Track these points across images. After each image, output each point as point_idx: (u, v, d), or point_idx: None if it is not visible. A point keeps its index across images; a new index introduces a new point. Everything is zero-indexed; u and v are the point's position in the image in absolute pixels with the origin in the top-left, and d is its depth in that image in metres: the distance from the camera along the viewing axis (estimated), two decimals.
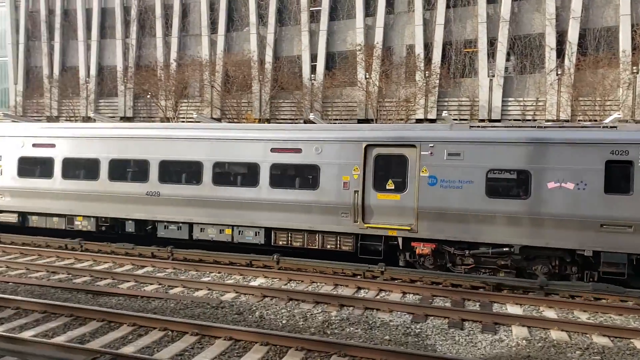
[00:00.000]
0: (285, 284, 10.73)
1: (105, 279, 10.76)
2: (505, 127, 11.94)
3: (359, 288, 10.49)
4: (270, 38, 26.29)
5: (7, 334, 6.77)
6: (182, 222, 13.15)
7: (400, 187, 11.40)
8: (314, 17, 25.92)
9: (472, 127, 11.81)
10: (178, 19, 28.11)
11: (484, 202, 10.70)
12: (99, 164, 13.66)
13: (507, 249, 10.71)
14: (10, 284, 10.15)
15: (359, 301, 9.23)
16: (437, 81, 23.46)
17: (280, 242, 12.43)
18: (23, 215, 14.61)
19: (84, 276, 10.93)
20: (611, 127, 10.78)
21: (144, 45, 29.19)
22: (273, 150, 12.31)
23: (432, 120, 23.07)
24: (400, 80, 23.48)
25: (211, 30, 27.62)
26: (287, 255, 12.28)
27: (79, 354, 6.31)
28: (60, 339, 6.98)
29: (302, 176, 12.19)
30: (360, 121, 23.36)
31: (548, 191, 10.37)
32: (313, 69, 25.57)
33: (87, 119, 27.42)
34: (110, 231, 14.16)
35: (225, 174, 12.79)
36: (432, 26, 23.98)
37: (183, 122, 22.98)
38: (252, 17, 26.61)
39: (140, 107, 28.80)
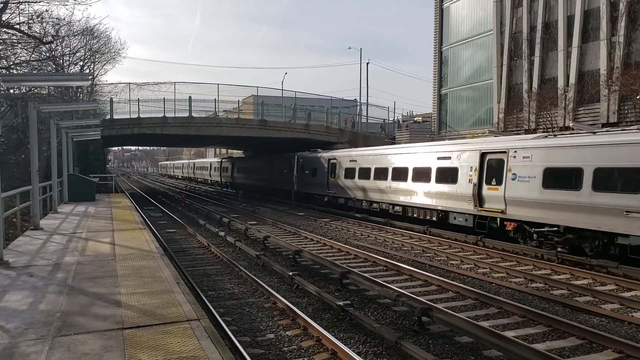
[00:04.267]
0: None
1: (584, 295, 10.10)
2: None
3: None
4: None
5: (493, 330, 7.28)
6: None
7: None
8: None
9: None
10: None
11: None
12: None
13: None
14: (493, 285, 11.02)
15: None
16: None
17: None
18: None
19: (562, 289, 10.62)
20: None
21: (635, 40, 26.13)
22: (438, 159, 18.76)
23: None
24: None
25: None
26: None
27: None
28: (539, 347, 6.94)
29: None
30: None
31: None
32: None
33: (564, 129, 27.06)
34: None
35: None
36: None
37: None
38: None
39: (627, 111, 25.98)
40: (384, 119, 42.10)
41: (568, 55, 29.74)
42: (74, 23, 25.90)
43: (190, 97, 30.77)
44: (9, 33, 17.41)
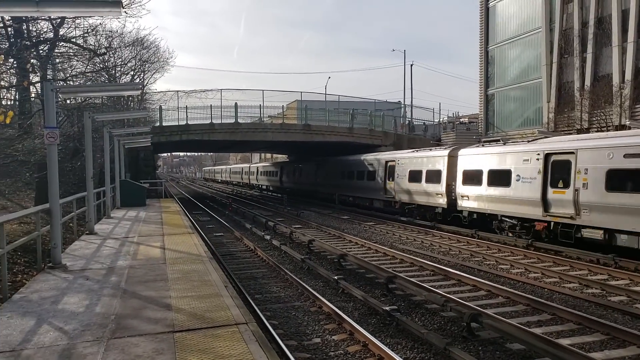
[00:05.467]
0: None
1: None
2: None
3: None
4: None
5: (547, 337, 7.01)
6: None
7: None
8: None
9: None
10: None
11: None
12: None
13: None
14: (546, 290, 10.62)
15: None
16: None
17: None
18: (610, 233, 13.41)
19: (620, 295, 10.11)
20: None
21: None
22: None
23: None
24: None
25: None
26: None
27: None
28: (597, 356, 6.63)
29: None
30: None
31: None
32: None
33: (620, 128, 25.77)
34: None
35: None
36: None
37: None
38: None
39: None
40: (424, 121, 41.51)
41: (623, 51, 28.36)
42: (126, 35, 26.99)
43: (236, 103, 31.34)
44: (66, 46, 18.32)
